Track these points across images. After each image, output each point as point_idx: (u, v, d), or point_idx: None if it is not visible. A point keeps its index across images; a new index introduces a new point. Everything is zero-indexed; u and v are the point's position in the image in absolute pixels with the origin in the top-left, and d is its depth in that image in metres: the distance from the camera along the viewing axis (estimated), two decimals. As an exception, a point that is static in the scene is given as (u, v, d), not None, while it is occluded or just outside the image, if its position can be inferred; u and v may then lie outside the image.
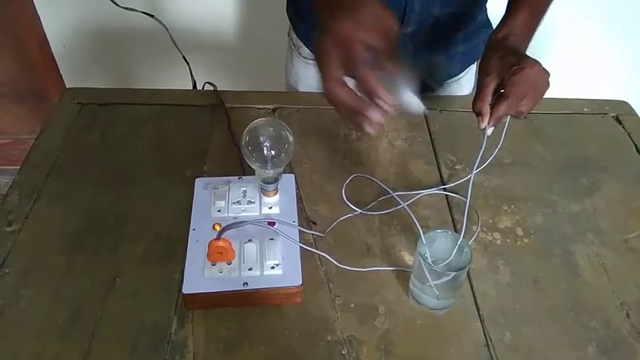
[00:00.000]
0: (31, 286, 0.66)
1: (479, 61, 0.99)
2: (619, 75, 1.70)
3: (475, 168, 0.67)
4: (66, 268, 0.68)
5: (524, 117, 0.65)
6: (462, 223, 0.67)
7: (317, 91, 1.01)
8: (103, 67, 1.70)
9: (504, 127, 0.69)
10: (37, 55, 1.65)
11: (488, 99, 0.65)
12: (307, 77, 1.02)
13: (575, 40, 1.62)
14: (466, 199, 0.67)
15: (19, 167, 0.80)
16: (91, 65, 1.69)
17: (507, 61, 0.64)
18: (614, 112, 0.98)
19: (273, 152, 0.66)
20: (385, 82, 0.51)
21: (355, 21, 0.51)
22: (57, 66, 1.69)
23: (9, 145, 1.83)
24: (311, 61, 0.99)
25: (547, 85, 0.64)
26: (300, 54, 1.00)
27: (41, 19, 1.57)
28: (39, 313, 0.63)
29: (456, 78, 0.99)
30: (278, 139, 0.66)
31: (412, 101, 0.55)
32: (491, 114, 0.64)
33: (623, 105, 1.00)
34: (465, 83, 1.03)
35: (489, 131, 0.65)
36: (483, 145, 0.65)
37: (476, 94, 0.66)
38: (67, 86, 1.69)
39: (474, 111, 0.66)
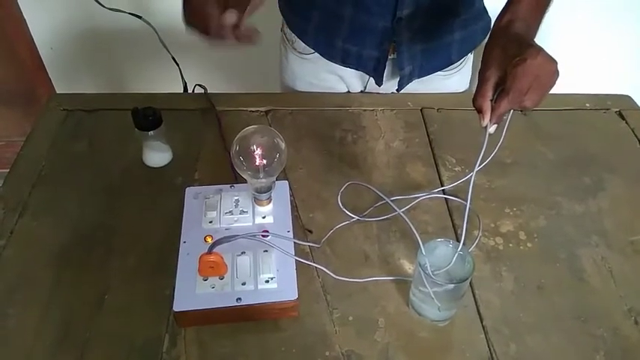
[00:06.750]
0: (19, 304, 0.64)
1: (476, 50, 0.96)
2: (621, 69, 1.66)
3: (475, 169, 0.63)
4: (54, 285, 0.66)
5: (526, 112, 0.61)
6: (463, 230, 0.64)
7: (314, 87, 0.99)
8: (92, 69, 1.67)
9: (505, 124, 0.64)
10: (26, 58, 1.62)
11: (489, 94, 0.60)
12: (304, 73, 0.99)
13: (575, 34, 1.58)
14: (466, 202, 0.64)
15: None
16: (80, 67, 1.66)
17: (509, 51, 0.59)
18: (617, 107, 0.96)
19: (265, 161, 0.63)
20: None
21: None
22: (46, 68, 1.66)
23: (1, 148, 1.81)
24: (306, 56, 0.96)
25: (555, 74, 0.59)
26: (295, 49, 0.96)
27: (27, 21, 1.53)
28: (27, 333, 0.61)
29: (455, 68, 0.96)
30: (270, 148, 0.64)
31: None
32: (492, 111, 0.59)
33: (626, 99, 0.98)
34: (465, 73, 0.99)
35: (492, 129, 0.60)
36: (484, 145, 0.61)
37: (476, 89, 0.61)
38: (56, 88, 1.67)
39: (474, 107, 0.61)
